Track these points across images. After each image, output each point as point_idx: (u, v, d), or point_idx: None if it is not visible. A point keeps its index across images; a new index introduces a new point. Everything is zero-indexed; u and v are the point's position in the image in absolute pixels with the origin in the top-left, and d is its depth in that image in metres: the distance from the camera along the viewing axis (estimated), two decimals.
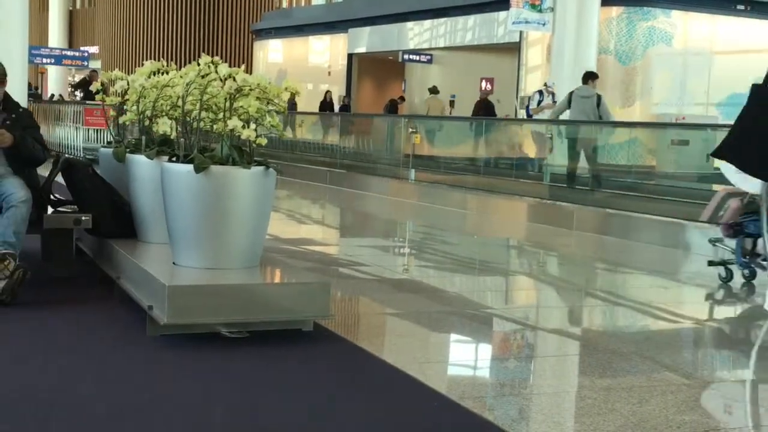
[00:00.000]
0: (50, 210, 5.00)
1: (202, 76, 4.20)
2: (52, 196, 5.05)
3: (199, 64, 4.23)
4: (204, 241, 4.12)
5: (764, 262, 5.81)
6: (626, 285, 6.45)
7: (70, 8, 44.28)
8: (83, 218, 4.88)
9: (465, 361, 4.18)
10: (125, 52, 33.80)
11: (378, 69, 25.37)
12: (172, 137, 4.79)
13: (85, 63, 35.24)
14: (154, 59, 5.18)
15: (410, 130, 13.01)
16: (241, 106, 4.08)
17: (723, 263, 6.07)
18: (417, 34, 22.89)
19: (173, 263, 4.23)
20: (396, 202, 11.48)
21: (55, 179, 5.07)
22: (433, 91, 19.22)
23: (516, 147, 13.02)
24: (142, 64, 5.05)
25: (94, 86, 5.46)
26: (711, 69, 17.90)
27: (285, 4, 35.13)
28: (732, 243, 6.02)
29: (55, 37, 42.46)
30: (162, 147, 4.85)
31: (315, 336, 4.03)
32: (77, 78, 44.13)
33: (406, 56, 22.90)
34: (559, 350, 4.39)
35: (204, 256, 4.12)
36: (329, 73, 26.43)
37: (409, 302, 5.21)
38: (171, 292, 3.75)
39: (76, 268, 5.27)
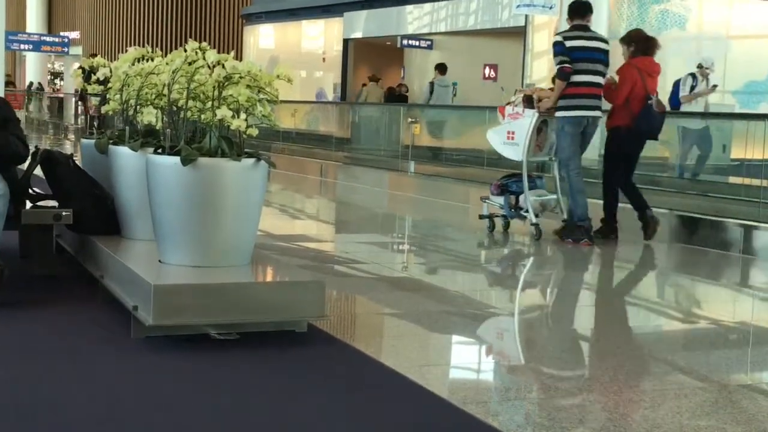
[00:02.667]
0: (29, 205, 4.99)
1: (189, 63, 4.20)
2: (30, 191, 5.04)
3: (185, 51, 4.23)
4: (192, 238, 4.11)
5: (525, 213, 7.74)
6: (638, 283, 6.45)
7: None
8: (64, 213, 4.87)
9: (467, 363, 4.19)
10: (108, 37, 33.77)
11: (375, 55, 25.33)
12: (157, 128, 4.78)
13: (66, 49, 35.22)
14: (139, 45, 5.17)
15: (409, 120, 13.01)
16: (231, 95, 4.08)
17: (489, 216, 8.04)
18: (416, 18, 22.86)
19: (159, 261, 4.23)
20: (395, 195, 11.49)
21: (34, 172, 5.07)
22: (373, 78, 19.75)
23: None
24: (126, 51, 5.04)
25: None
26: (727, 54, 17.88)
27: None
28: (499, 200, 7.86)
29: (33, 22, 42.39)
30: (147, 138, 4.84)
31: (309, 337, 4.03)
32: (57, 66, 44.17)
33: (405, 42, 22.86)
34: (567, 352, 4.39)
35: (192, 253, 4.12)
36: (324, 59, 26.42)
37: (409, 302, 5.21)
38: (157, 291, 3.75)
39: (57, 266, 5.27)
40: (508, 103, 7.87)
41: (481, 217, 8.05)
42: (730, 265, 7.21)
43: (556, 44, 7.49)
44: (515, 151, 7.66)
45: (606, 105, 7.84)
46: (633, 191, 7.68)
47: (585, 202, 7.43)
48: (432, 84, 15.46)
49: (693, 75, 12.22)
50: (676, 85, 12.42)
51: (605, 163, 7.88)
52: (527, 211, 7.67)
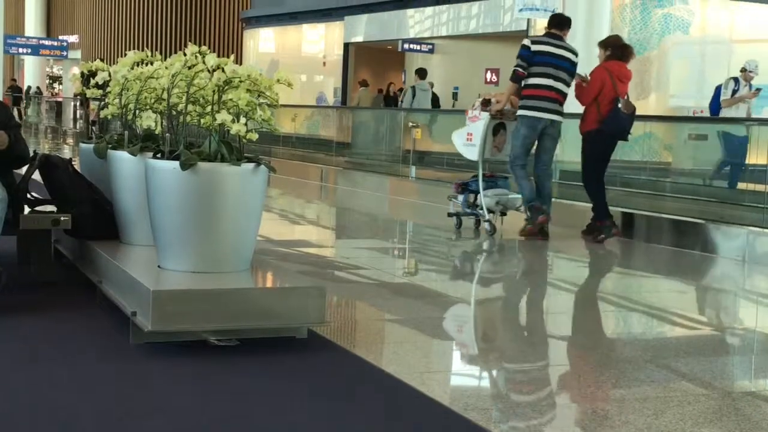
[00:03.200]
0: (27, 210, 4.99)
1: (189, 67, 4.20)
2: (29, 195, 5.05)
3: (185, 54, 4.23)
4: (191, 243, 4.11)
5: (480, 211, 8.18)
6: (641, 289, 6.45)
7: None
8: (62, 218, 4.87)
9: (469, 370, 4.18)
10: (107, 41, 33.82)
11: (376, 59, 25.36)
12: (156, 132, 4.78)
13: (65, 53, 35.29)
14: (138, 49, 5.17)
15: (410, 124, 13.01)
16: (231, 99, 4.08)
17: (457, 214, 8.48)
18: (418, 22, 22.88)
19: (158, 266, 4.23)
20: (396, 200, 11.48)
21: (33, 177, 5.07)
22: (363, 84, 20.03)
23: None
24: (125, 55, 5.04)
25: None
26: (731, 59, 17.88)
27: None
28: (461, 198, 8.36)
29: (32, 26, 42.45)
30: (146, 142, 4.84)
31: (309, 344, 4.03)
32: (56, 70, 44.23)
33: (406, 45, 22.87)
34: (569, 359, 4.39)
35: (191, 258, 4.11)
36: (324, 63, 26.44)
37: (410, 308, 5.21)
38: (156, 297, 3.75)
39: (55, 271, 5.26)
40: (472, 107, 8.34)
41: (449, 215, 8.57)
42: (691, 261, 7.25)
43: (522, 47, 7.83)
44: (472, 152, 8.20)
45: (578, 110, 8.15)
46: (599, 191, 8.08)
47: (530, 186, 7.89)
48: (413, 88, 16.19)
49: (735, 79, 11.94)
50: (718, 89, 12.17)
51: (583, 166, 8.10)
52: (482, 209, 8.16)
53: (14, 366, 3.65)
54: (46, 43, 36.08)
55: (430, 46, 23.03)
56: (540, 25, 17.97)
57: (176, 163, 3.99)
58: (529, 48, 7.76)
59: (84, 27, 35.96)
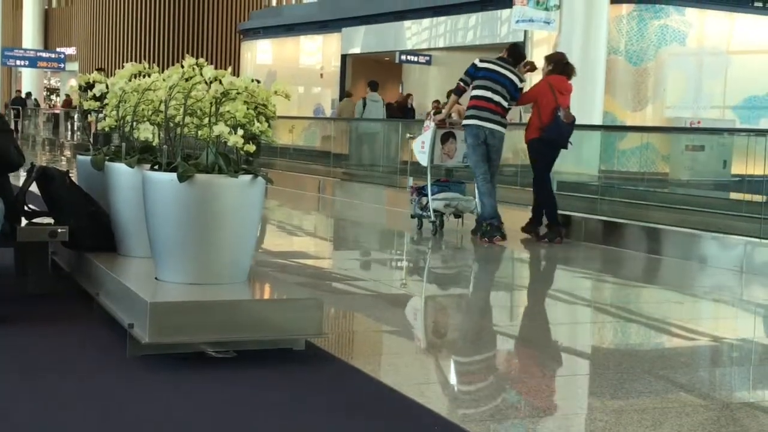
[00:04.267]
0: (24, 222, 4.99)
1: (186, 79, 4.20)
2: (26, 207, 5.05)
3: (183, 66, 4.24)
4: (188, 255, 4.11)
5: (424, 212, 8.82)
6: (638, 300, 6.45)
7: (46, 7, 44.37)
8: (59, 230, 4.87)
9: (467, 381, 4.18)
10: (104, 53, 33.85)
11: (373, 71, 25.38)
12: (154, 144, 4.79)
13: (62, 65, 35.33)
14: (135, 61, 5.18)
15: (408, 135, 13.03)
16: (228, 111, 4.08)
17: (419, 216, 9.04)
18: (415, 33, 22.93)
19: (155, 278, 4.23)
20: (393, 212, 11.48)
21: (30, 189, 5.07)
22: (347, 95, 20.34)
23: (521, 154, 13.05)
24: (122, 66, 5.05)
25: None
26: (728, 70, 17.94)
27: (274, 2, 35.22)
28: (437, 204, 8.78)
29: (30, 38, 42.51)
30: (143, 154, 4.85)
31: (307, 356, 4.02)
32: (53, 82, 44.25)
33: (403, 57, 22.92)
34: (567, 369, 4.38)
35: (188, 270, 4.11)
36: (321, 75, 26.47)
37: (408, 319, 5.20)
38: (153, 309, 3.74)
39: (52, 283, 5.26)
40: (427, 117, 9.09)
41: (412, 216, 9.14)
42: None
43: (471, 65, 8.50)
44: (423, 158, 8.89)
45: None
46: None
47: (491, 203, 8.36)
48: (364, 99, 17.39)
49: None
50: None
51: (533, 173, 8.69)
52: (435, 211, 8.77)
53: (10, 378, 3.64)
54: (44, 55, 36.14)
55: (428, 58, 23.07)
56: (537, 37, 18.05)
57: (174, 175, 3.99)
58: (475, 65, 8.41)
59: (81, 39, 35.99)
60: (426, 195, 8.83)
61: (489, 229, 8.32)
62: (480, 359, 4.57)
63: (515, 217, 8.98)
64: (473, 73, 8.36)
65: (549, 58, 8.77)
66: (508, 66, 8.41)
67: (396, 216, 10.82)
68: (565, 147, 8.59)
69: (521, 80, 8.48)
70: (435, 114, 9.04)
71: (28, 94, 36.70)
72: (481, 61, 8.43)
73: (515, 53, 8.60)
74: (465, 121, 8.45)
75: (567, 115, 8.39)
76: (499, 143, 8.43)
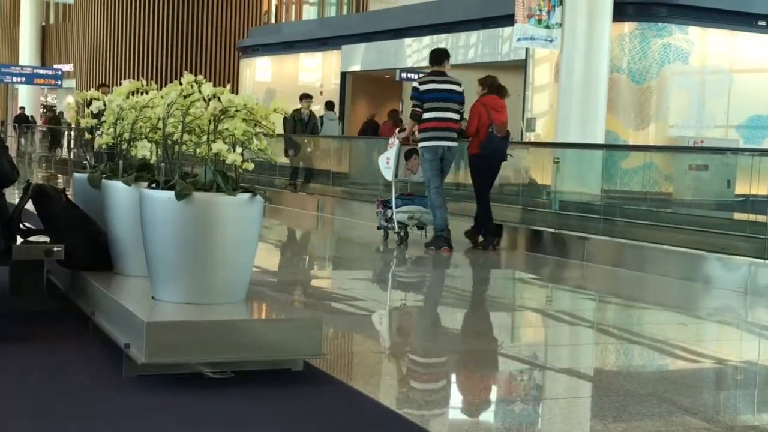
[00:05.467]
0: (20, 240, 4.99)
1: (185, 96, 4.21)
2: (21, 225, 5.05)
3: (181, 84, 4.25)
4: (186, 274, 4.11)
5: (389, 224, 9.52)
6: (641, 321, 6.44)
7: (43, 23, 44.44)
8: (55, 249, 4.86)
9: (467, 403, 4.17)
10: (102, 70, 33.91)
11: (373, 88, 25.44)
12: (151, 162, 4.79)
13: (59, 82, 35.38)
14: (133, 78, 5.19)
15: (405, 149, 13.03)
16: (227, 129, 4.09)
17: (384, 228, 9.69)
18: (415, 51, 22.99)
19: (152, 298, 4.23)
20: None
21: (26, 207, 5.07)
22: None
23: (522, 172, 13.06)
24: (120, 84, 5.06)
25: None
26: (731, 89, 17.98)
27: (274, 20, 35.32)
28: (401, 216, 9.47)
29: (27, 55, 42.59)
30: (141, 172, 4.85)
31: (306, 377, 4.01)
32: (50, 99, 44.31)
33: (403, 75, 22.95)
34: (569, 392, 4.37)
35: (185, 289, 4.11)
36: (321, 92, 26.51)
37: (408, 340, 5.19)
38: (149, 328, 3.74)
39: (47, 302, 5.25)
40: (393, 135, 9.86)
41: (378, 228, 9.77)
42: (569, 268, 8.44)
43: (412, 89, 9.29)
44: (388, 173, 9.64)
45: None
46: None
47: (443, 215, 9.07)
48: (322, 118, 18.19)
49: None
50: None
51: (474, 186, 9.51)
52: (399, 223, 9.46)
53: (5, 398, 3.63)
54: (41, 71, 36.22)
55: None
56: (538, 55, 18.10)
57: (171, 193, 4.00)
58: (418, 89, 9.12)
59: (79, 56, 36.04)
60: (391, 208, 9.50)
61: (438, 239, 9.05)
62: (480, 381, 4.56)
63: (460, 227, 9.68)
64: (419, 96, 9.06)
65: (482, 82, 9.50)
66: (445, 78, 9.14)
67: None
68: (504, 159, 9.47)
69: (460, 84, 9.20)
70: (399, 132, 9.81)
71: (22, 110, 36.75)
72: (421, 83, 9.18)
73: (438, 58, 9.33)
74: (423, 143, 9.11)
75: (500, 129, 9.26)
76: (453, 156, 9.38)
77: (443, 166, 9.18)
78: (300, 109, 16.42)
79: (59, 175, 21.63)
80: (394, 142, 9.58)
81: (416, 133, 9.43)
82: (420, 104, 9.04)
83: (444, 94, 9.06)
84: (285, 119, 16.82)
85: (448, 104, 9.06)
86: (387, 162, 9.64)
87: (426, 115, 9.03)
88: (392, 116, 20.48)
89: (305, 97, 16.58)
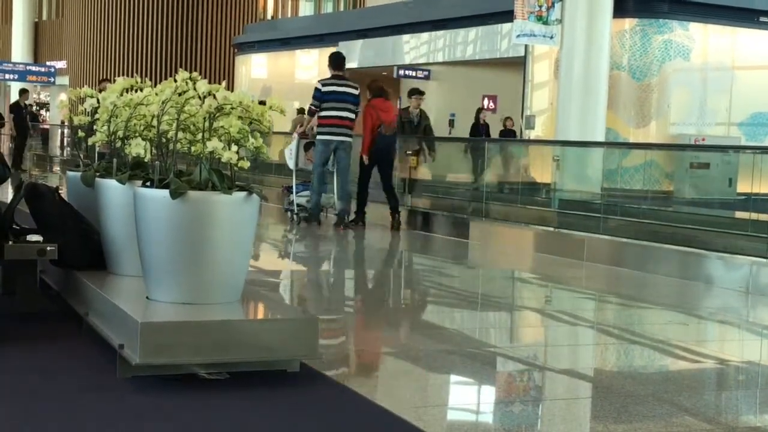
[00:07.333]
0: (12, 239, 4.98)
1: (179, 94, 4.21)
2: (14, 225, 5.04)
3: (175, 81, 4.24)
4: (180, 274, 4.11)
5: (292, 206, 11.23)
6: (642, 321, 6.45)
7: (36, 20, 44.41)
8: (48, 248, 4.86)
9: (466, 405, 4.17)
10: (95, 67, 33.88)
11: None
12: (146, 160, 4.78)
13: (52, 79, 35.34)
14: (127, 75, 5.19)
15: (407, 152, 13.04)
16: (222, 126, 4.09)
17: (288, 210, 11.48)
18: (413, 47, 23.00)
19: (147, 298, 4.22)
20: (390, 230, 11.47)
21: (18, 206, 5.06)
22: (300, 111, 20.90)
23: (522, 170, 13.07)
24: (114, 81, 5.06)
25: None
26: (733, 86, 17.99)
27: (270, 16, 35.30)
28: (300, 200, 11.10)
29: (19, 51, 42.55)
30: (135, 170, 4.84)
31: (301, 377, 4.01)
32: (42, 96, 44.26)
33: (401, 71, 22.98)
34: (569, 393, 4.38)
35: (180, 289, 4.11)
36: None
37: (405, 340, 5.20)
38: (144, 329, 3.74)
39: (40, 302, 5.25)
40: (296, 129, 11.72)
41: (285, 210, 11.59)
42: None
43: (315, 89, 10.65)
44: (291, 163, 11.45)
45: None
46: (391, 194, 11.06)
47: (318, 199, 10.78)
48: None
49: None
50: None
51: (360, 176, 11.02)
52: (299, 205, 11.10)
53: None
54: (33, 68, 36.17)
55: (426, 72, 23.14)
56: (538, 51, 18.11)
57: (166, 192, 3.99)
58: (320, 90, 10.54)
59: (72, 52, 36.02)
60: (293, 193, 11.25)
61: (308, 215, 10.89)
62: (479, 381, 4.56)
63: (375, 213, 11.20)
64: (320, 96, 10.50)
65: (369, 88, 11.17)
66: (344, 82, 10.61)
67: (411, 238, 10.83)
68: (393, 154, 11.15)
69: (357, 88, 10.74)
70: (299, 127, 11.77)
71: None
72: (323, 85, 10.55)
73: (338, 64, 10.79)
74: (319, 137, 10.58)
75: (387, 129, 10.81)
76: (348, 149, 10.72)
77: (339, 157, 10.63)
78: (408, 108, 13.10)
79: (52, 174, 21.58)
80: (295, 136, 11.46)
81: (314, 128, 10.87)
82: (319, 104, 10.48)
83: (342, 95, 10.52)
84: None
85: (346, 105, 10.53)
86: (290, 153, 11.44)
87: (325, 114, 10.47)
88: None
89: (414, 93, 13.01)
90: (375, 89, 11.20)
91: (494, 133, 19.35)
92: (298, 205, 11.10)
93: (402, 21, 22.63)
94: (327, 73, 10.91)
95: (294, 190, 11.30)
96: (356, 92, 10.71)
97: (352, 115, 10.67)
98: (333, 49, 26.83)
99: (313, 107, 10.71)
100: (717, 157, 12.13)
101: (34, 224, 5.16)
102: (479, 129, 19.48)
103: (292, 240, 10.72)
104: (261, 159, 4.40)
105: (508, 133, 18.98)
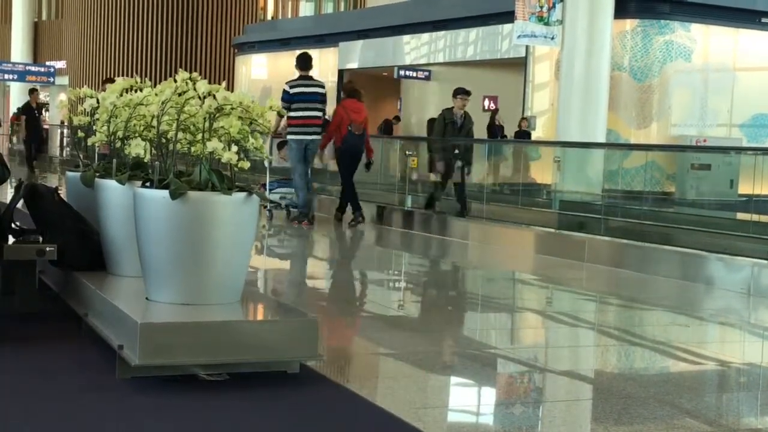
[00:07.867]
0: (11, 240, 4.98)
1: (179, 94, 4.21)
2: (13, 225, 5.04)
3: (175, 81, 4.24)
4: (180, 274, 4.11)
5: (270, 205, 11.66)
6: (643, 323, 6.45)
7: (35, 20, 44.41)
8: (47, 249, 4.86)
9: (467, 406, 4.17)
10: (95, 67, 33.89)
11: (371, 86, 25.38)
12: (145, 160, 4.79)
13: (51, 79, 35.34)
14: (127, 75, 5.18)
15: (407, 153, 13.06)
16: (222, 127, 4.09)
17: (265, 206, 11.45)
18: (414, 48, 23.00)
19: (146, 298, 4.22)
20: (390, 231, 11.48)
21: (18, 207, 5.06)
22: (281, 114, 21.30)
23: (522, 171, 13.09)
24: (114, 81, 5.05)
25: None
26: (734, 87, 18.00)
27: (270, 16, 35.31)
28: (274, 196, 11.74)
29: (19, 51, 42.55)
30: (135, 171, 4.85)
31: (302, 379, 4.01)
32: (42, 96, 44.21)
33: (401, 72, 22.98)
34: (570, 395, 4.38)
35: (180, 290, 4.11)
36: None
37: (405, 342, 5.19)
38: (143, 330, 3.74)
39: (40, 303, 5.25)
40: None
41: (264, 207, 11.42)
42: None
43: (283, 91, 11.03)
44: (265, 162, 11.33)
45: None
46: (350, 191, 11.48)
47: (305, 196, 11.10)
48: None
49: None
50: None
51: (339, 171, 11.54)
52: (272, 203, 11.66)
53: None
54: (33, 68, 36.18)
55: (427, 73, 23.13)
56: (539, 52, 18.13)
57: (166, 192, 3.99)
58: (288, 92, 10.93)
59: (72, 53, 36.01)
60: (268, 190, 11.67)
61: (299, 214, 11.13)
62: (479, 382, 4.56)
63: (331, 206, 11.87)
64: (289, 98, 10.86)
65: (343, 89, 12.02)
66: (311, 82, 11.08)
67: (412, 239, 10.82)
68: (360, 153, 11.33)
69: (323, 86, 11.32)
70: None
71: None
72: (291, 87, 10.95)
73: (306, 64, 11.17)
74: (290, 137, 11.02)
75: (356, 128, 11.20)
76: (316, 147, 11.16)
77: (307, 155, 11.09)
78: (452, 108, 11.92)
79: (51, 174, 21.59)
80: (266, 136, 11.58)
81: (285, 128, 11.39)
82: (287, 105, 10.73)
83: (310, 96, 10.98)
84: (432, 120, 15.16)
85: (314, 104, 11.03)
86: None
87: (295, 114, 10.86)
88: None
89: (460, 92, 11.80)
90: (348, 90, 11.87)
91: (509, 134, 19.35)
92: (271, 202, 11.60)
93: (402, 21, 22.64)
94: (327, 75, 11.04)
95: (268, 187, 11.77)
96: (323, 91, 11.23)
97: (320, 114, 11.21)
98: (333, 50, 26.87)
99: (283, 110, 11.01)
100: (718, 159, 12.14)
101: (33, 224, 5.16)
102: (494, 130, 19.56)
103: (266, 236, 10.76)
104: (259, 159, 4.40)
105: (523, 134, 18.95)
